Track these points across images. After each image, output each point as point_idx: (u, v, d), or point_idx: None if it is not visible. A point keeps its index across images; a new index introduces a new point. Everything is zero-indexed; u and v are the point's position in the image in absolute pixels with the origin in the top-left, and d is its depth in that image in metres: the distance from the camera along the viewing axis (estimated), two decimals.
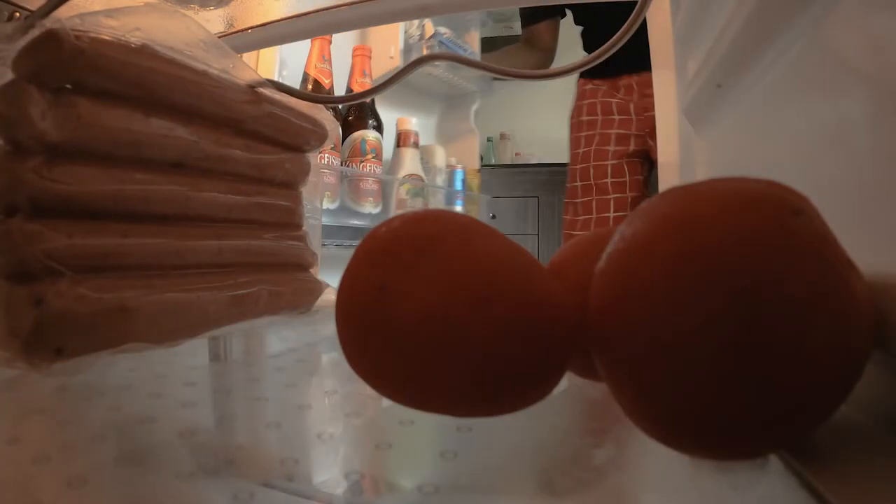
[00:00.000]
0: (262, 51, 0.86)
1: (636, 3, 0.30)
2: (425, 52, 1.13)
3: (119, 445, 0.21)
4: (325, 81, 0.97)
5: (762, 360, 0.13)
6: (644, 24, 0.50)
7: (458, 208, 1.30)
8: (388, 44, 1.12)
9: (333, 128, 0.44)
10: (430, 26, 1.18)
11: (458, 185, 1.32)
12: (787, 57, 0.27)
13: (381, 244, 0.19)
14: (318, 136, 0.43)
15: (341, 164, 1.02)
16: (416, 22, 1.18)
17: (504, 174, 2.13)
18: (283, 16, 0.50)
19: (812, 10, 0.23)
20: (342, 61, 1.04)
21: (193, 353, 0.36)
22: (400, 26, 1.14)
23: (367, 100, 1.05)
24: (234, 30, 0.52)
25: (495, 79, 1.36)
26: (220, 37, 0.48)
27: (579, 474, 0.19)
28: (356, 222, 1.02)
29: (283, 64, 0.91)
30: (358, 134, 1.04)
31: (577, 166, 1.04)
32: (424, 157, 1.21)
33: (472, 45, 1.37)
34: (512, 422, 0.21)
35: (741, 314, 0.13)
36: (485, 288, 0.17)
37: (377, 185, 1.06)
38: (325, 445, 0.22)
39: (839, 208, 0.17)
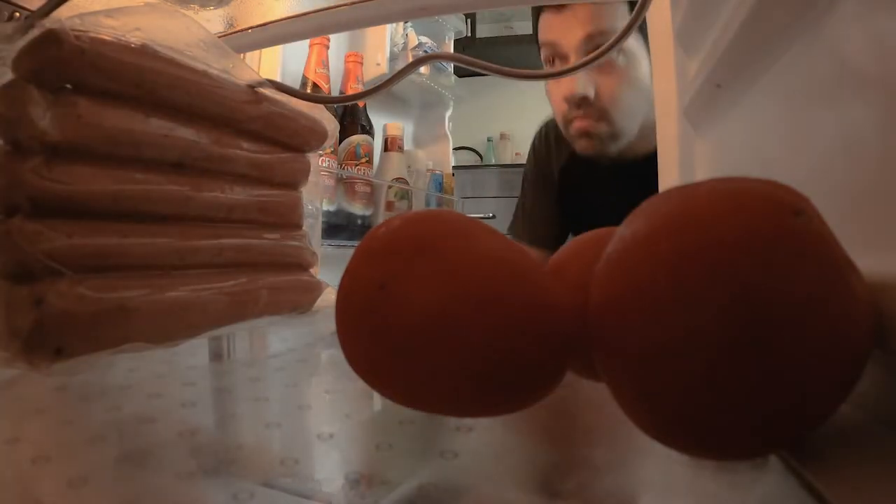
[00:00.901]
0: (265, 53, 0.87)
1: (636, 2, 0.30)
2: (410, 59, 1.16)
3: (119, 445, 0.21)
4: (324, 86, 0.99)
5: (762, 359, 0.13)
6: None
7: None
8: (376, 52, 1.16)
9: (333, 128, 0.44)
10: (413, 36, 1.25)
11: (438, 189, 1.37)
12: (787, 57, 0.27)
13: (381, 244, 0.19)
14: (317, 136, 0.43)
15: (338, 167, 1.04)
16: (400, 31, 1.23)
17: (504, 174, 2.13)
18: (283, 16, 0.50)
19: (812, 10, 0.23)
20: (335, 67, 1.07)
21: (193, 353, 0.36)
22: (387, 35, 1.17)
23: (361, 104, 1.07)
24: (234, 30, 0.52)
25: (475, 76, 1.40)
26: (220, 37, 0.48)
27: (579, 474, 0.19)
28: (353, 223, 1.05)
29: (283, 68, 0.93)
30: (352, 138, 1.07)
31: None
32: (408, 162, 1.25)
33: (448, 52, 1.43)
34: (512, 422, 0.21)
35: (741, 314, 0.13)
36: (485, 288, 0.17)
37: (369, 188, 1.09)
38: (325, 445, 0.22)
39: (840, 208, 0.17)
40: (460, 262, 0.18)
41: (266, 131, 0.38)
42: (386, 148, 1.21)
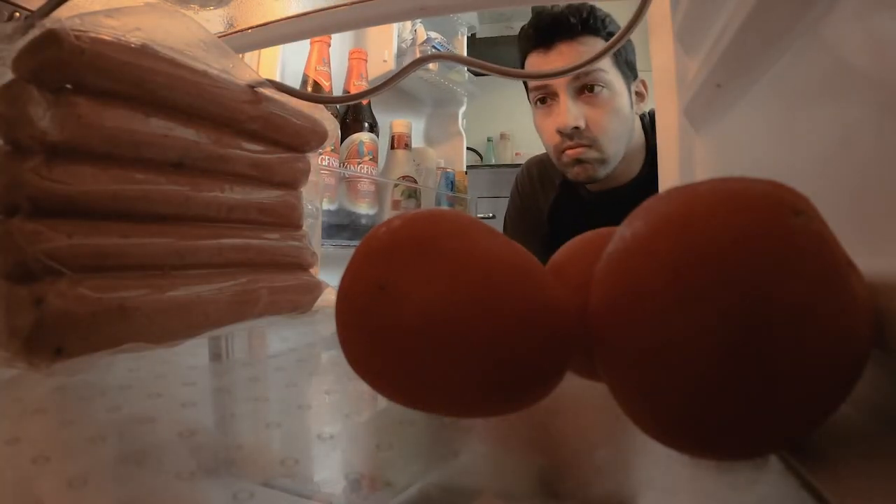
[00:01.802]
0: (264, 52, 0.86)
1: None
2: (418, 55, 1.14)
3: (119, 445, 0.21)
4: (325, 84, 0.98)
5: (762, 359, 0.13)
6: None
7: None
8: (383, 48, 1.14)
9: (333, 128, 0.44)
10: (422, 31, 1.21)
11: (449, 187, 1.35)
12: (787, 57, 0.27)
13: (381, 244, 0.19)
14: (318, 136, 0.43)
15: (340, 166, 1.03)
16: (408, 27, 1.20)
17: (504, 174, 2.14)
18: (283, 16, 0.50)
19: (812, 10, 0.23)
20: (338, 64, 1.05)
21: (193, 353, 0.36)
22: (394, 31, 1.15)
23: (365, 102, 1.06)
24: (234, 30, 0.52)
25: (481, 75, 1.38)
26: (220, 37, 0.48)
27: (579, 474, 0.19)
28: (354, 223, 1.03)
29: (283, 66, 0.92)
30: (356, 136, 1.05)
31: None
32: (416, 160, 1.23)
33: (459, 49, 1.40)
34: (512, 422, 0.21)
35: (741, 314, 0.13)
36: (485, 288, 0.17)
37: (374, 187, 1.07)
38: (325, 445, 0.22)
39: (840, 208, 0.17)
40: (460, 263, 0.18)
41: (266, 131, 0.38)
42: (392, 146, 1.18)
